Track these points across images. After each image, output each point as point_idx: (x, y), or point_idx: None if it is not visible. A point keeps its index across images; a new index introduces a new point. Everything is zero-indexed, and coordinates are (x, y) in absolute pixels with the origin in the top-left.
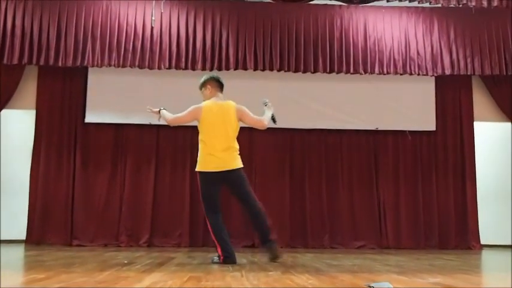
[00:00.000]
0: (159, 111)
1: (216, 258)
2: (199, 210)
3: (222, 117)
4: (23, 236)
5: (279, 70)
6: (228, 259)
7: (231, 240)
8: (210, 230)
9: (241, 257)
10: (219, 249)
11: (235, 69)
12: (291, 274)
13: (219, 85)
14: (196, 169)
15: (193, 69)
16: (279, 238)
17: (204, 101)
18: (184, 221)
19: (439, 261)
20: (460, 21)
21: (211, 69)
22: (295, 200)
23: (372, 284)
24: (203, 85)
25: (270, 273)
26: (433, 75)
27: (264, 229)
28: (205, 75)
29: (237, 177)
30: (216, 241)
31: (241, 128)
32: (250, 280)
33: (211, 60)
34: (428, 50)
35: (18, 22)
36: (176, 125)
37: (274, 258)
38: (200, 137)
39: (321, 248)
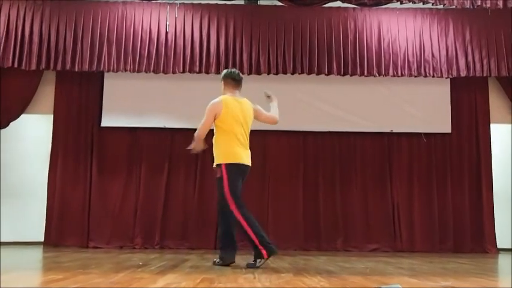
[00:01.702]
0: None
1: (254, 262)
2: (211, 212)
3: (242, 113)
4: (41, 238)
5: (292, 73)
6: (272, 250)
7: (245, 243)
8: (243, 225)
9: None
10: (257, 244)
11: (249, 73)
12: (303, 276)
13: (234, 83)
14: (228, 161)
15: (207, 73)
16: (292, 241)
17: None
18: (198, 223)
19: (452, 265)
20: (475, 23)
21: None
22: (308, 202)
23: (382, 287)
24: (220, 81)
25: (282, 275)
26: (448, 77)
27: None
28: (224, 71)
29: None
30: (253, 235)
31: (254, 131)
32: (262, 282)
33: (225, 64)
34: (443, 51)
35: (36, 28)
36: (206, 131)
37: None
38: (224, 128)
39: (335, 251)
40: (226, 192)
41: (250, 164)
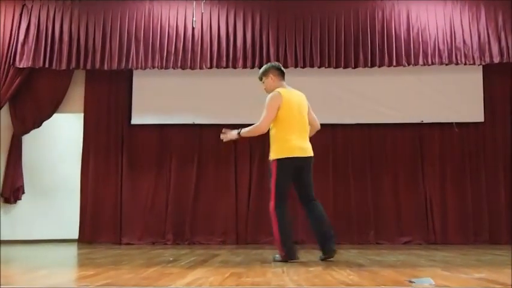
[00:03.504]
0: (239, 134)
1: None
2: (242, 207)
3: (298, 104)
4: (76, 235)
5: (319, 67)
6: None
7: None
8: (277, 223)
9: None
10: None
11: None
12: (332, 270)
13: (281, 73)
14: (278, 156)
15: (234, 67)
16: None
17: (268, 90)
18: (229, 219)
19: (487, 257)
20: (508, 7)
21: (252, 67)
22: (339, 196)
23: (413, 280)
24: (265, 74)
25: (311, 269)
26: (480, 64)
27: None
28: (265, 65)
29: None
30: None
31: None
32: (291, 276)
33: (251, 59)
34: (475, 38)
35: (65, 28)
36: (269, 126)
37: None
38: (282, 121)
39: (367, 244)
40: (271, 188)
41: (309, 155)
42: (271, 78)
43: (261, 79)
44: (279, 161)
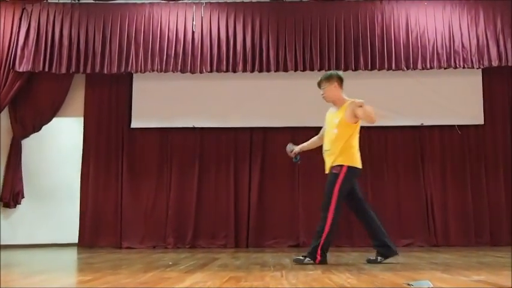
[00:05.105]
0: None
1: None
2: (243, 211)
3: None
4: (76, 239)
5: (319, 70)
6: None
7: (277, 240)
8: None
9: (285, 257)
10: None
11: (276, 70)
12: (331, 273)
13: (342, 83)
14: (350, 163)
15: (234, 71)
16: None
17: (329, 98)
18: (230, 222)
19: (487, 259)
20: (506, 11)
21: (252, 71)
22: None
23: (412, 283)
24: (329, 81)
25: (310, 272)
26: (479, 68)
27: None
28: (328, 72)
29: None
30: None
31: (284, 128)
32: (289, 280)
33: (251, 62)
34: (474, 41)
35: (65, 32)
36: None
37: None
38: (353, 133)
39: (368, 247)
40: (339, 193)
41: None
42: (335, 87)
43: (320, 85)
44: (350, 168)
